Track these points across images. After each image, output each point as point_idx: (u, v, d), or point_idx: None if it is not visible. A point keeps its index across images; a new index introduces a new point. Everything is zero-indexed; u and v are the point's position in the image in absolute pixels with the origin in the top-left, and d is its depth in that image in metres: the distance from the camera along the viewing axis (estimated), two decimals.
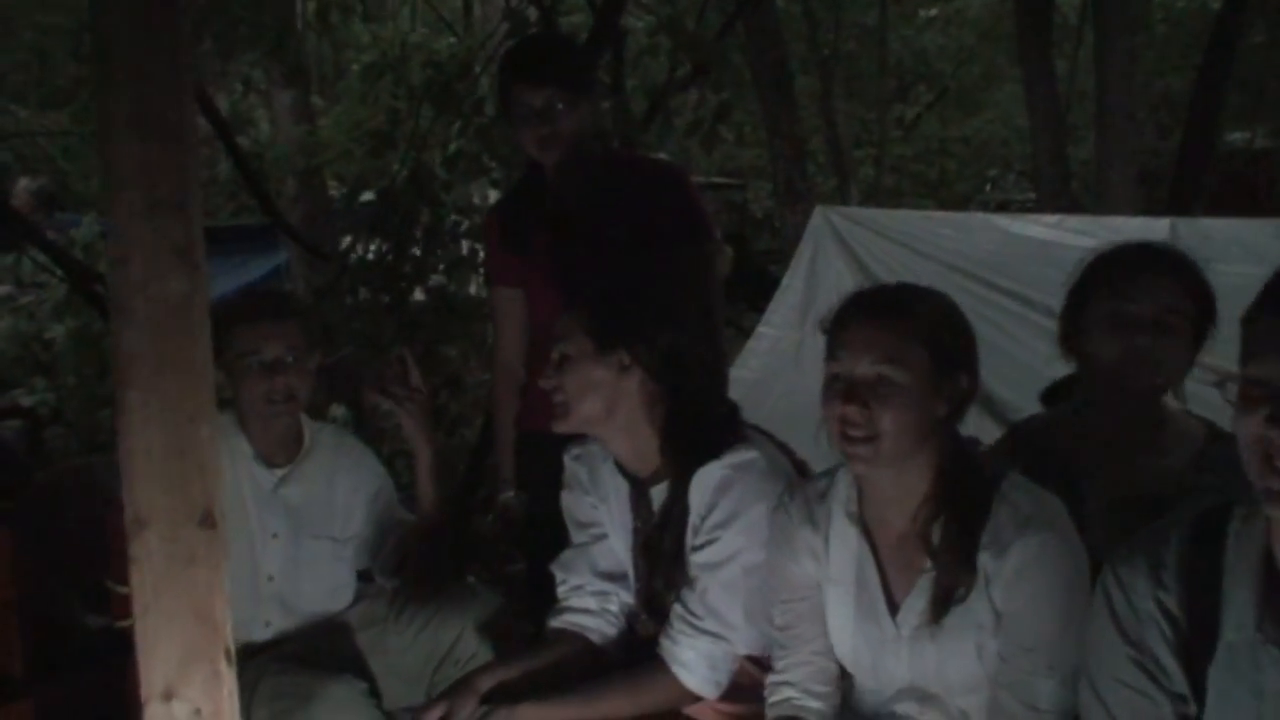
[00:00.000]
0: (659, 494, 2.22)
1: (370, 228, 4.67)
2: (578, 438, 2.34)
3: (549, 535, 2.45)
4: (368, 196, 5.10)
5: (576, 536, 2.37)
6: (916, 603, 1.86)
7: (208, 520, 1.41)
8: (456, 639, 2.55)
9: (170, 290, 1.38)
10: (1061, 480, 1.97)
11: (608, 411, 2.16)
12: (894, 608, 1.89)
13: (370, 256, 4.80)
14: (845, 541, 1.94)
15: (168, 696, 1.41)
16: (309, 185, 8.25)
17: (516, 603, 2.65)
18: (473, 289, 5.39)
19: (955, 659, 1.84)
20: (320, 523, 2.67)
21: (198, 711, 1.42)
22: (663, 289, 2.30)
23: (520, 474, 2.87)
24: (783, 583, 2.02)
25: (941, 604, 1.82)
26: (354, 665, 2.56)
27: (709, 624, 2.11)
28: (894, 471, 1.85)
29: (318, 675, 2.40)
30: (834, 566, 1.95)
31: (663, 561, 2.21)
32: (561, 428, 2.19)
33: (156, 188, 1.37)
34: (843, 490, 1.95)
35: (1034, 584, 1.74)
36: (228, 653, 1.45)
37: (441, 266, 4.73)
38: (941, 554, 1.82)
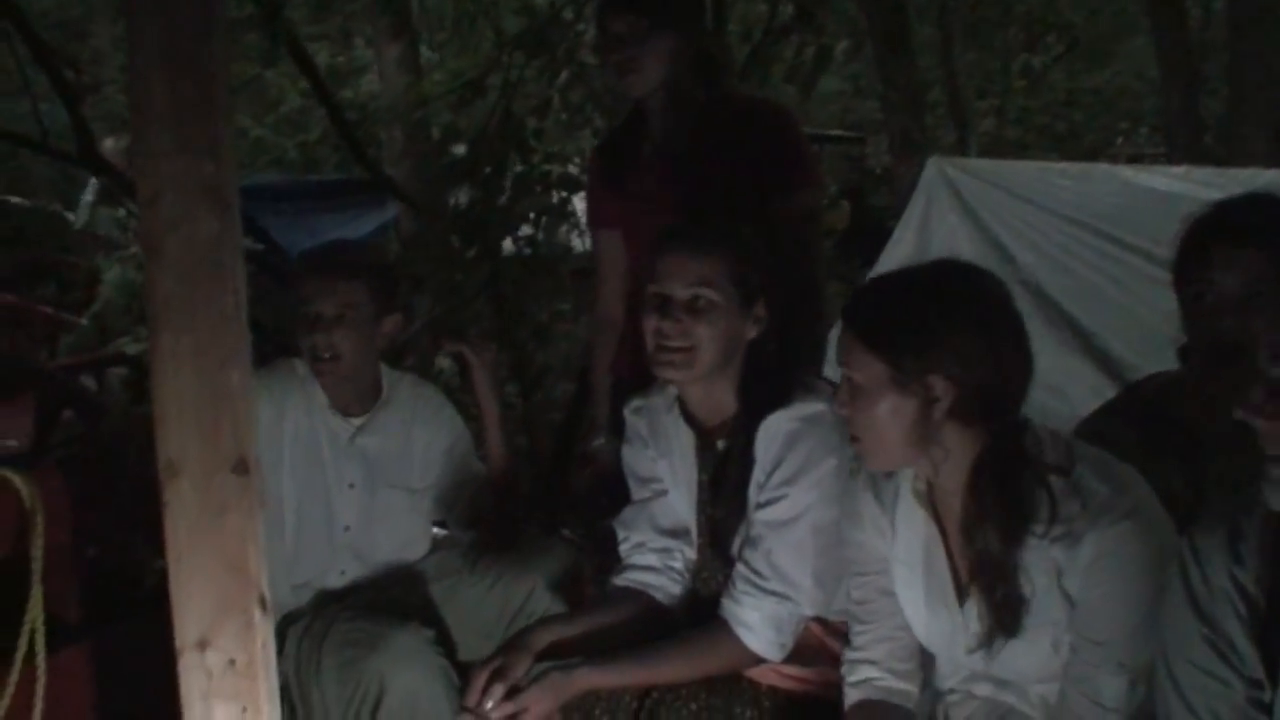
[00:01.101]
0: (725, 444, 2.17)
1: (461, 177, 4.67)
2: (640, 389, 2.30)
3: None
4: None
5: (637, 492, 2.33)
6: (980, 602, 1.78)
7: (241, 467, 1.39)
8: (530, 594, 2.56)
9: (201, 231, 1.35)
10: (1183, 450, 1.86)
11: (724, 363, 2.10)
12: (963, 594, 1.81)
13: (464, 206, 4.78)
14: (912, 522, 1.86)
15: (201, 646, 1.40)
16: (415, 138, 8.28)
17: (607, 557, 2.65)
18: (577, 244, 5.36)
19: (1029, 655, 1.76)
20: (396, 473, 2.69)
21: (231, 662, 1.41)
22: (773, 237, 2.24)
23: (615, 423, 2.80)
24: (856, 554, 1.94)
25: (992, 632, 1.75)
26: (427, 616, 2.58)
27: (774, 584, 2.05)
28: (933, 463, 1.77)
29: (385, 623, 2.42)
30: (901, 546, 1.88)
31: (724, 504, 2.16)
32: (680, 376, 2.11)
33: (186, 125, 1.34)
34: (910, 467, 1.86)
35: (1109, 575, 1.64)
36: (262, 602, 1.43)
37: (531, 215, 4.70)
38: (984, 578, 1.74)
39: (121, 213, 5.64)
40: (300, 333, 2.55)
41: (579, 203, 5.16)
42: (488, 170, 4.59)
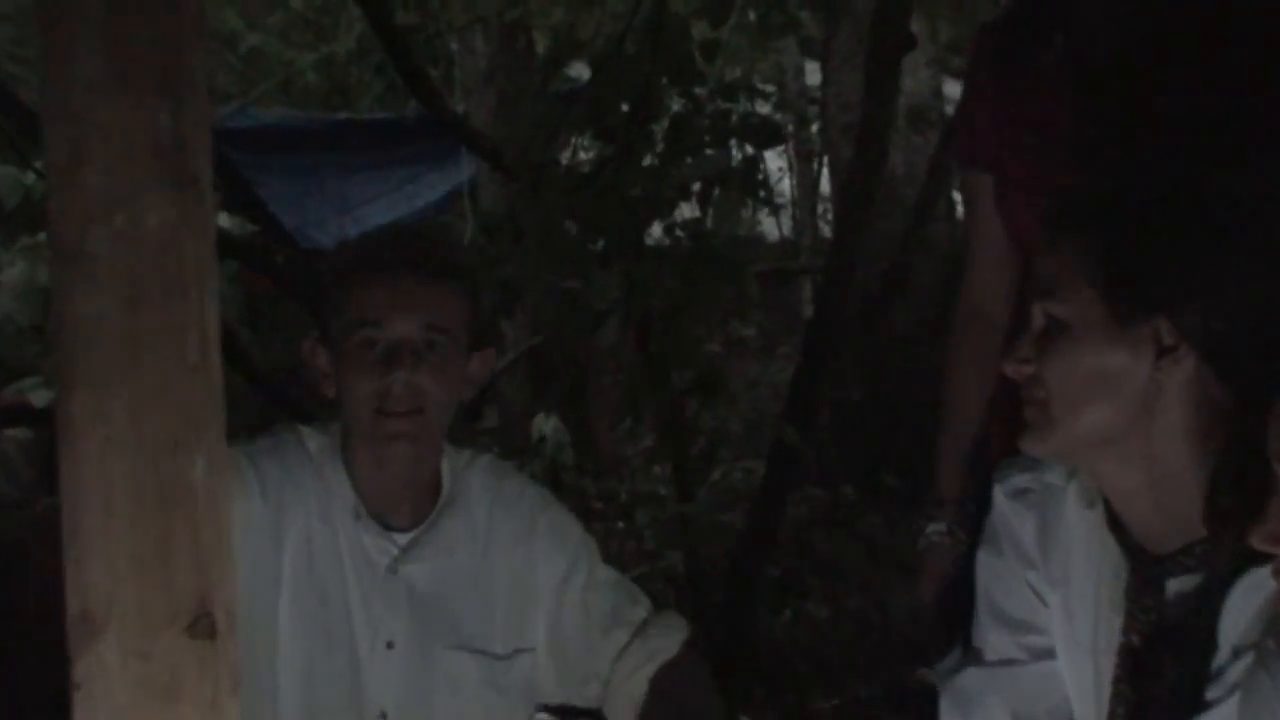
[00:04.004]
0: (1181, 588, 2.09)
1: (581, 120, 4.68)
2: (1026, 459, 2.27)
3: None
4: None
5: (994, 643, 2.31)
6: None
7: (204, 625, 1.38)
8: None
9: (149, 221, 1.34)
10: None
11: (1126, 427, 2.07)
12: None
13: (585, 169, 4.83)
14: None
15: None
16: (508, 49, 8.36)
17: None
18: (768, 227, 5.32)
19: None
20: (466, 625, 2.71)
21: None
22: (1245, 208, 2.17)
23: (968, 513, 2.88)
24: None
25: None
26: None
27: None
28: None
29: None
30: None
31: (1165, 695, 2.10)
32: (1038, 449, 2.14)
33: (127, 46, 1.34)
34: None
35: None
36: None
37: (695, 187, 4.69)
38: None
39: (31, 177, 5.80)
40: (353, 372, 2.57)
41: (775, 161, 5.12)
42: (625, 109, 4.59)
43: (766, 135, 4.79)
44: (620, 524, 6.89)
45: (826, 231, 13.48)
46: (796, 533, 6.55)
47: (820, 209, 13.65)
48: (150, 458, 1.35)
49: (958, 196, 9.76)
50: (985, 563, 2.33)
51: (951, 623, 2.72)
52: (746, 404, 7.81)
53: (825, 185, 13.16)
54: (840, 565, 6.53)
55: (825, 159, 11.38)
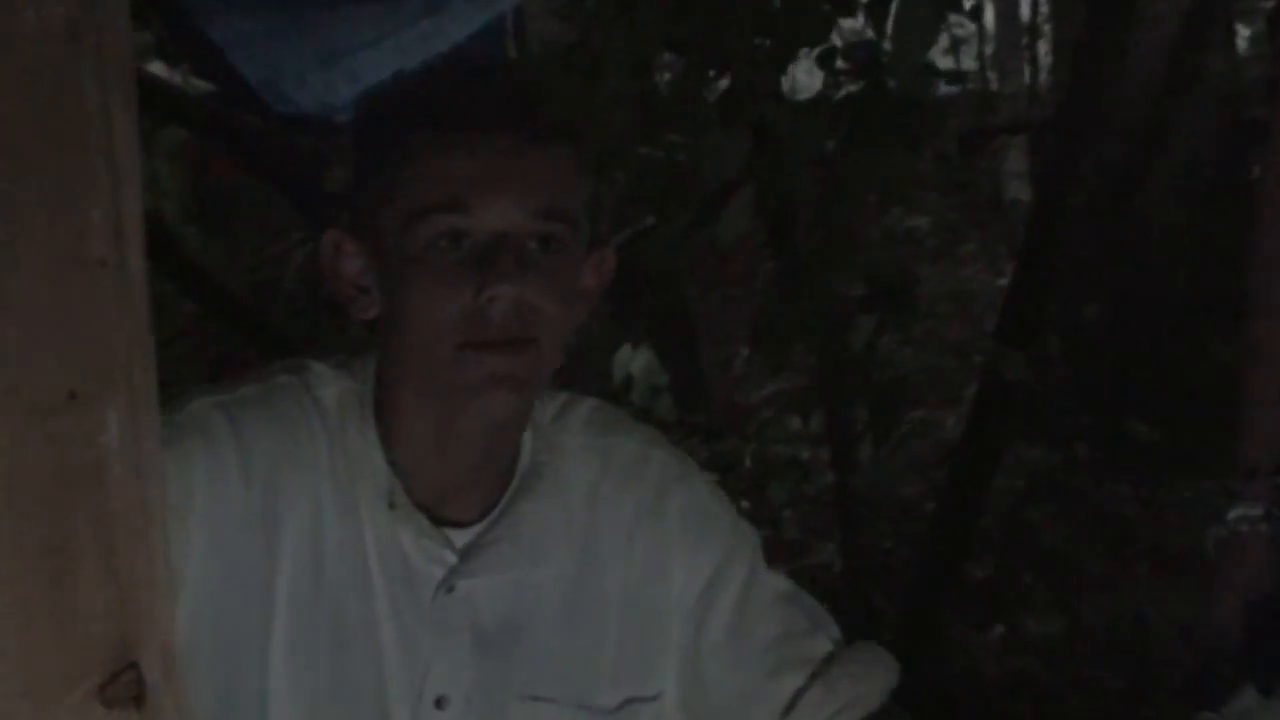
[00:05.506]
0: None
1: None
2: None
3: None
4: None
5: None
6: None
7: (125, 682, 1.33)
8: None
9: (25, 20, 1.28)
10: None
11: None
12: None
13: None
14: None
15: None
16: None
17: None
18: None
19: None
20: (555, 665, 2.67)
21: None
22: None
23: None
24: None
25: None
26: None
27: None
28: None
29: None
30: None
31: None
32: None
33: None
34: None
35: None
36: None
37: None
38: None
39: None
40: (422, 283, 2.47)
41: None
42: None
43: None
44: (745, 503, 6.88)
45: (1028, 75, 13.60)
46: (1009, 512, 6.51)
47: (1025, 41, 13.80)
48: (31, 414, 1.30)
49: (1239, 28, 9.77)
50: None
51: (1262, 651, 2.78)
52: (921, 328, 7.80)
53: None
54: (1074, 558, 6.48)
55: None
